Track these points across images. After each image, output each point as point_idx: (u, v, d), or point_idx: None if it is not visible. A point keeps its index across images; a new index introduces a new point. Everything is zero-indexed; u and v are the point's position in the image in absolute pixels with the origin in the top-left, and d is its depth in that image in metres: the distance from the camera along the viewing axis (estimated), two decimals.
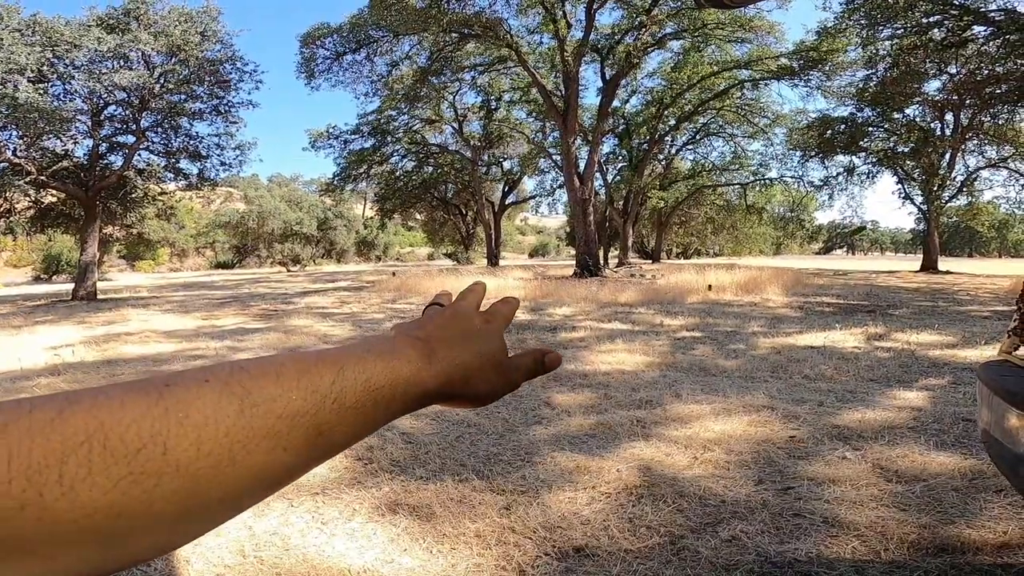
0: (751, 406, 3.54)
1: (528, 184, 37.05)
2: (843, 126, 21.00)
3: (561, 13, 16.64)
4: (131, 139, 14.25)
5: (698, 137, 27.78)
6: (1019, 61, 14.86)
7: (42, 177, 12.62)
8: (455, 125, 26.98)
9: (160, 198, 15.96)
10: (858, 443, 2.89)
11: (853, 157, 22.64)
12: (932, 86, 19.69)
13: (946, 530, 2.01)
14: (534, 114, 25.32)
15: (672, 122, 24.88)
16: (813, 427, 3.14)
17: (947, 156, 20.88)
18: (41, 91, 11.53)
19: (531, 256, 66.96)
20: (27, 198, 13.83)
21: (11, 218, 14.46)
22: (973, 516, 2.10)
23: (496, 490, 2.40)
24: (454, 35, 17.21)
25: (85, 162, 13.89)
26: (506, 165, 30.44)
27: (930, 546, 1.91)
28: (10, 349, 6.14)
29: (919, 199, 22.18)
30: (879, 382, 4.14)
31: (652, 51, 19.37)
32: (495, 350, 0.41)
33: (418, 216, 37.88)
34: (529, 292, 11.15)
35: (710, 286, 10.96)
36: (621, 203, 27.21)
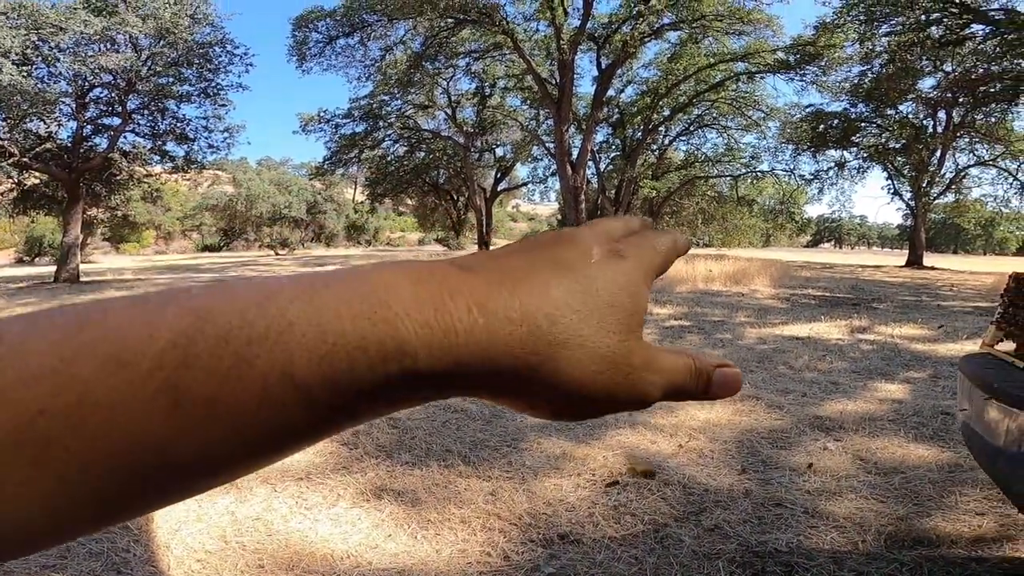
0: (736, 395, 3.57)
1: (521, 171, 36.89)
2: (836, 121, 21.11)
3: (558, 0, 16.48)
4: (117, 121, 14.02)
5: (692, 128, 27.74)
6: (1015, 60, 14.97)
7: (24, 159, 12.39)
8: (448, 111, 26.74)
9: (146, 180, 15.74)
10: (839, 434, 2.93)
11: (844, 152, 22.79)
12: (927, 83, 19.83)
13: (922, 522, 2.04)
14: (528, 101, 25.15)
15: (666, 112, 24.82)
16: (796, 417, 3.17)
17: (937, 153, 21.08)
18: (25, 73, 11.31)
19: None
20: (9, 180, 13.59)
21: None
22: (949, 509, 2.14)
23: (482, 476, 2.41)
24: (450, 20, 17.00)
25: (69, 144, 13.64)
26: (499, 152, 30.28)
27: (906, 538, 1.94)
28: None
29: (907, 195, 22.39)
30: (862, 374, 4.20)
31: (649, 41, 19.27)
32: (622, 302, 0.22)
33: (409, 201, 37.62)
34: None
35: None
36: (613, 192, 27.19)
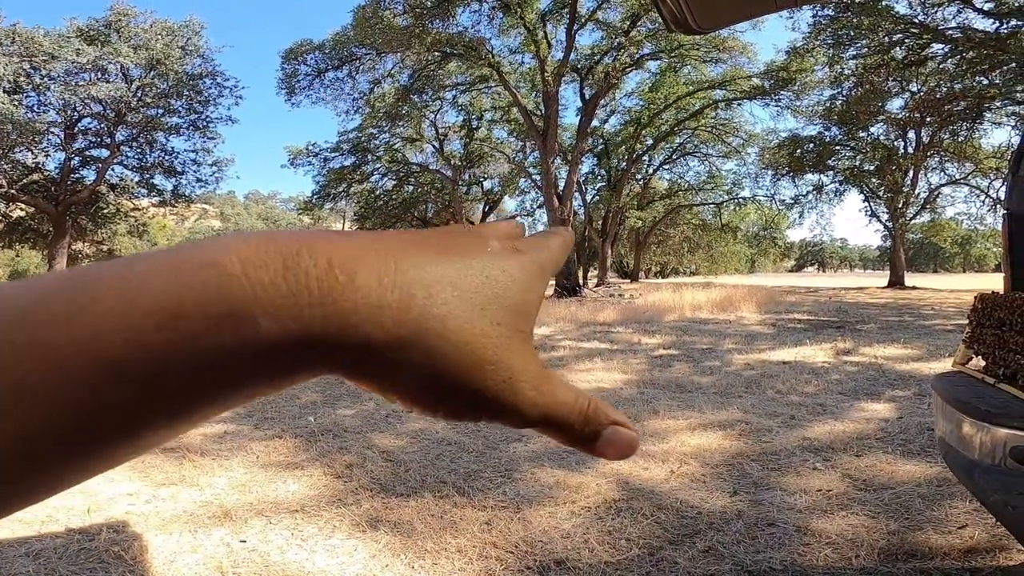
0: (726, 421, 3.62)
1: (508, 204, 37.29)
2: (812, 145, 21.74)
3: (542, 34, 17.01)
4: (105, 153, 14.08)
5: (674, 157, 28.40)
6: (976, 78, 15.62)
7: (11, 191, 12.35)
8: (436, 144, 27.10)
9: (132, 214, 15.74)
10: (828, 454, 2.97)
11: (822, 175, 23.42)
12: (895, 104, 20.52)
13: (914, 536, 2.08)
14: (514, 134, 25.62)
15: (649, 142, 25.42)
16: (785, 439, 3.22)
17: (910, 173, 21.70)
18: (15, 102, 11.40)
19: None
20: None
21: None
22: (940, 522, 2.18)
23: (477, 506, 2.41)
24: (437, 54, 17.43)
25: (56, 176, 13.65)
26: (486, 185, 30.62)
27: (899, 552, 1.98)
28: None
29: (885, 216, 22.96)
30: (848, 395, 4.27)
31: (630, 71, 19.88)
32: (512, 294, 0.20)
33: None
34: None
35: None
36: (600, 223, 27.54)
